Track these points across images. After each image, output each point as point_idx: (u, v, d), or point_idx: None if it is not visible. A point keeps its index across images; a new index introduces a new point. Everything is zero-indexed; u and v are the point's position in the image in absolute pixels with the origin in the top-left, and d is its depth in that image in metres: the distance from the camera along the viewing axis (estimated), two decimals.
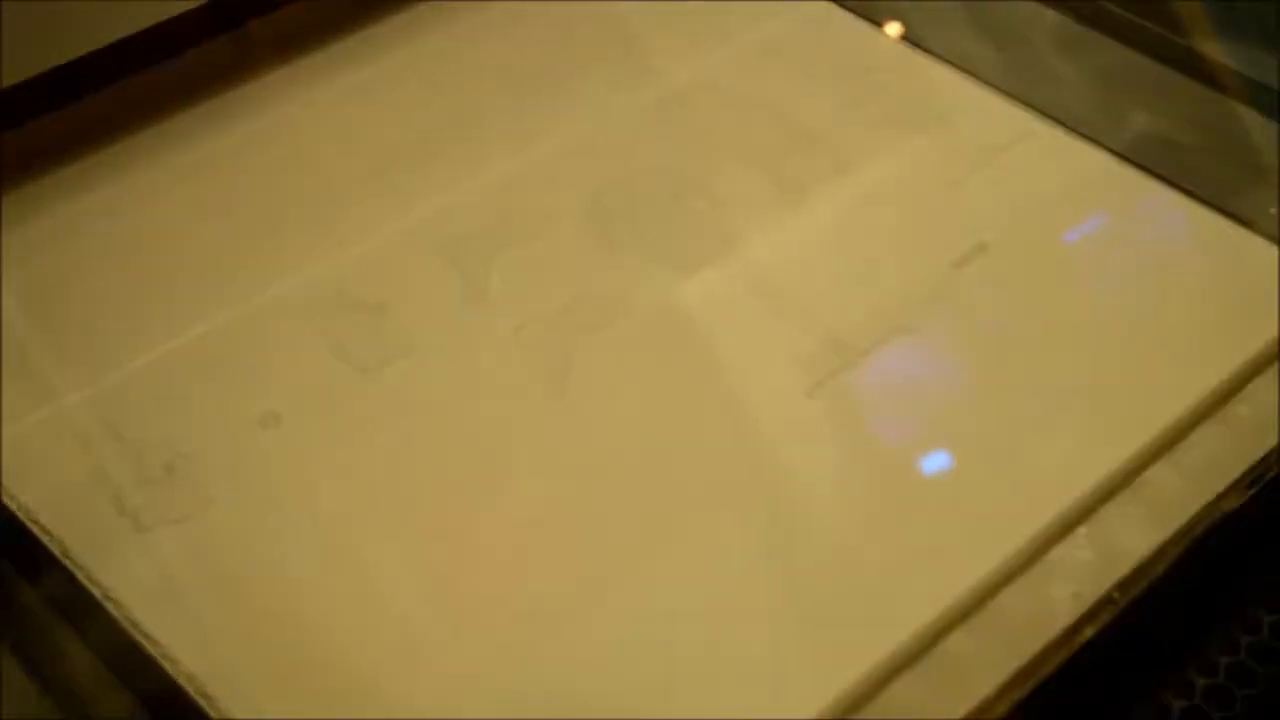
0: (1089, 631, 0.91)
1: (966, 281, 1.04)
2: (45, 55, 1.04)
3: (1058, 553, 0.92)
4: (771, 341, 1.00)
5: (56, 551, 0.89)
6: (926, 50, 1.19)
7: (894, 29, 1.20)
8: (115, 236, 1.07)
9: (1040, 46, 1.21)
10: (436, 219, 1.07)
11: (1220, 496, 0.95)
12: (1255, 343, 1.01)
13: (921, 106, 1.16)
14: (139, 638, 0.85)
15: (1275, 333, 1.01)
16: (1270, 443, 0.97)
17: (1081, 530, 0.93)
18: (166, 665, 0.84)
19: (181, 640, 0.85)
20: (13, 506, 0.91)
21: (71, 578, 0.87)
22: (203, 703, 0.82)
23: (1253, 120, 1.16)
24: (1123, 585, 0.91)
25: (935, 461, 0.99)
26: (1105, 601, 0.91)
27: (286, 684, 0.84)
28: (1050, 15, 1.23)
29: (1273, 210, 1.09)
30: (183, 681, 0.83)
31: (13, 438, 0.95)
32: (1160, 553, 0.93)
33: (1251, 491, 0.96)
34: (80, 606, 0.87)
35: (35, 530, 0.90)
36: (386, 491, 0.93)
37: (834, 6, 1.22)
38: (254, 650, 0.85)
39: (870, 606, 0.89)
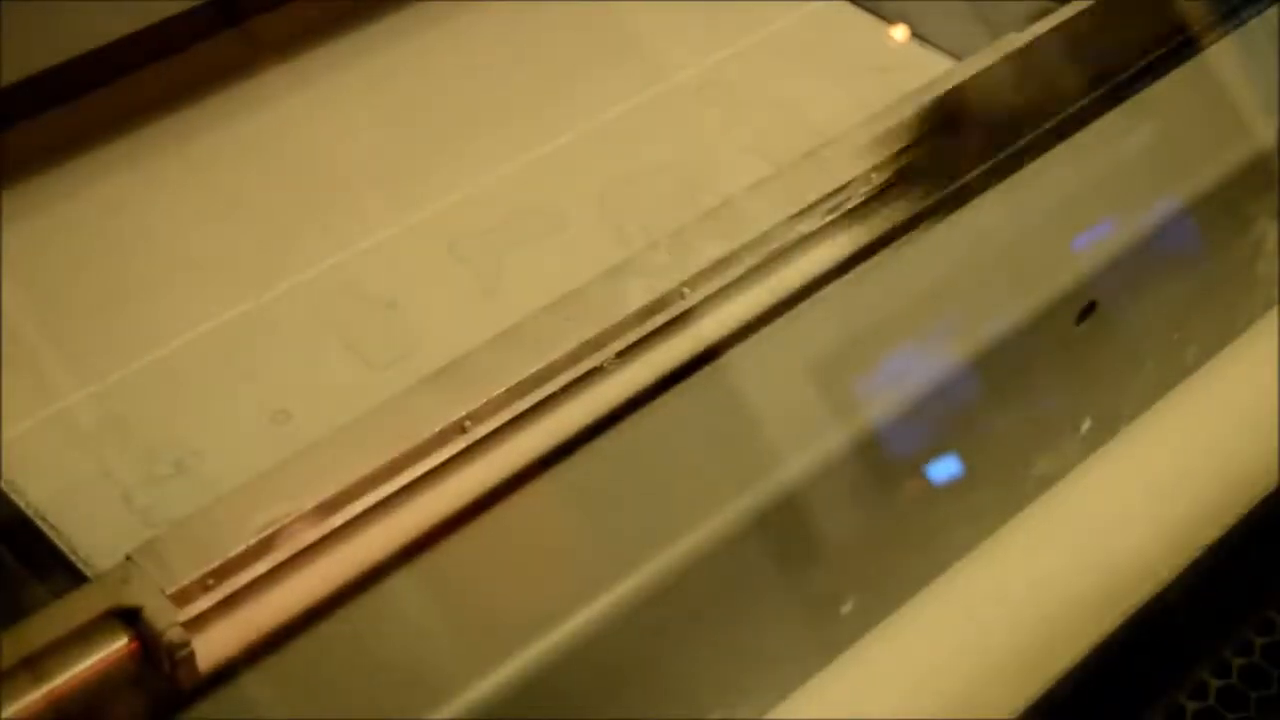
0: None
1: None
2: (48, 52, 1.03)
3: None
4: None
5: (65, 549, 0.87)
6: (936, 47, 1.19)
7: (904, 26, 1.20)
8: (121, 233, 1.06)
9: None
10: (447, 216, 1.07)
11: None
12: None
13: None
14: None
15: None
16: None
17: None
18: None
19: None
20: (21, 504, 0.90)
21: (80, 575, 0.86)
22: None
23: None
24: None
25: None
26: None
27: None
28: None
29: None
30: None
31: (21, 435, 0.94)
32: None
33: None
34: None
35: (44, 528, 0.89)
36: None
37: (845, 4, 1.21)
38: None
39: None
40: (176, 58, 1.13)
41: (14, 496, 0.91)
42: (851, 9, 1.22)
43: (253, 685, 0.72)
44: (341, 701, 0.75)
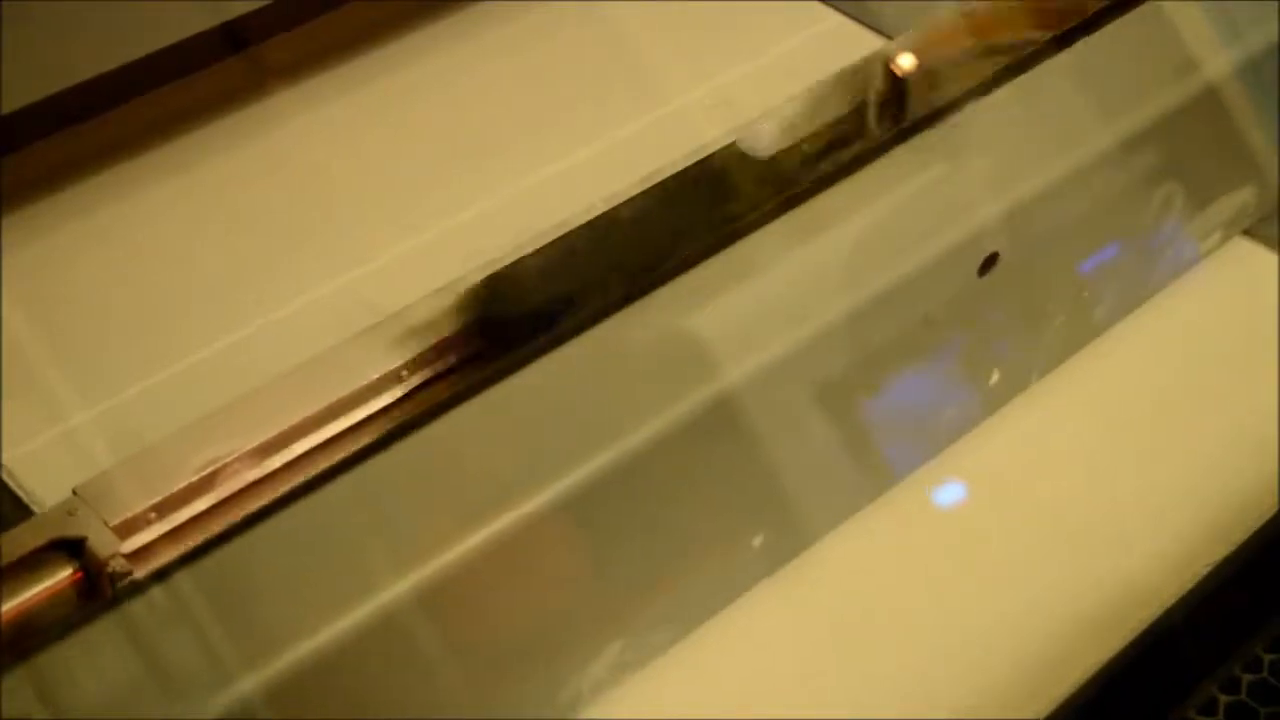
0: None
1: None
2: (55, 76, 1.05)
3: None
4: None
5: None
6: None
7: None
8: (131, 253, 1.08)
9: None
10: (456, 234, 1.08)
11: None
12: None
13: None
14: None
15: None
16: None
17: None
18: None
19: None
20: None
21: None
22: None
23: None
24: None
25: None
26: None
27: None
28: None
29: None
30: None
31: (33, 452, 0.95)
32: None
33: None
34: None
35: None
36: None
37: (851, 23, 1.22)
38: None
39: None
40: (184, 82, 1.15)
41: (34, 509, 0.91)
42: (859, 30, 1.22)
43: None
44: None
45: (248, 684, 0.75)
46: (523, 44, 1.22)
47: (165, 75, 1.14)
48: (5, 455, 0.94)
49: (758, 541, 0.93)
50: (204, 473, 0.75)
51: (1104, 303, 1.07)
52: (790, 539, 0.96)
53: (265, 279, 1.06)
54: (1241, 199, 1.10)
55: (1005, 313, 1.01)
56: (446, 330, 0.82)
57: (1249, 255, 1.13)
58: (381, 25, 1.22)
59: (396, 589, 0.76)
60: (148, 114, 1.14)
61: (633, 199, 0.91)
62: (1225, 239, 1.12)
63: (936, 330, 0.98)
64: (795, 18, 1.21)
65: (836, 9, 1.22)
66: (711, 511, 0.91)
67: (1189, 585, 1.00)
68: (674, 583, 0.90)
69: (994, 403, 1.04)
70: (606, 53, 1.21)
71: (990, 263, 0.97)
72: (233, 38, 1.15)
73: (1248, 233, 1.13)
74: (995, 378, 1.02)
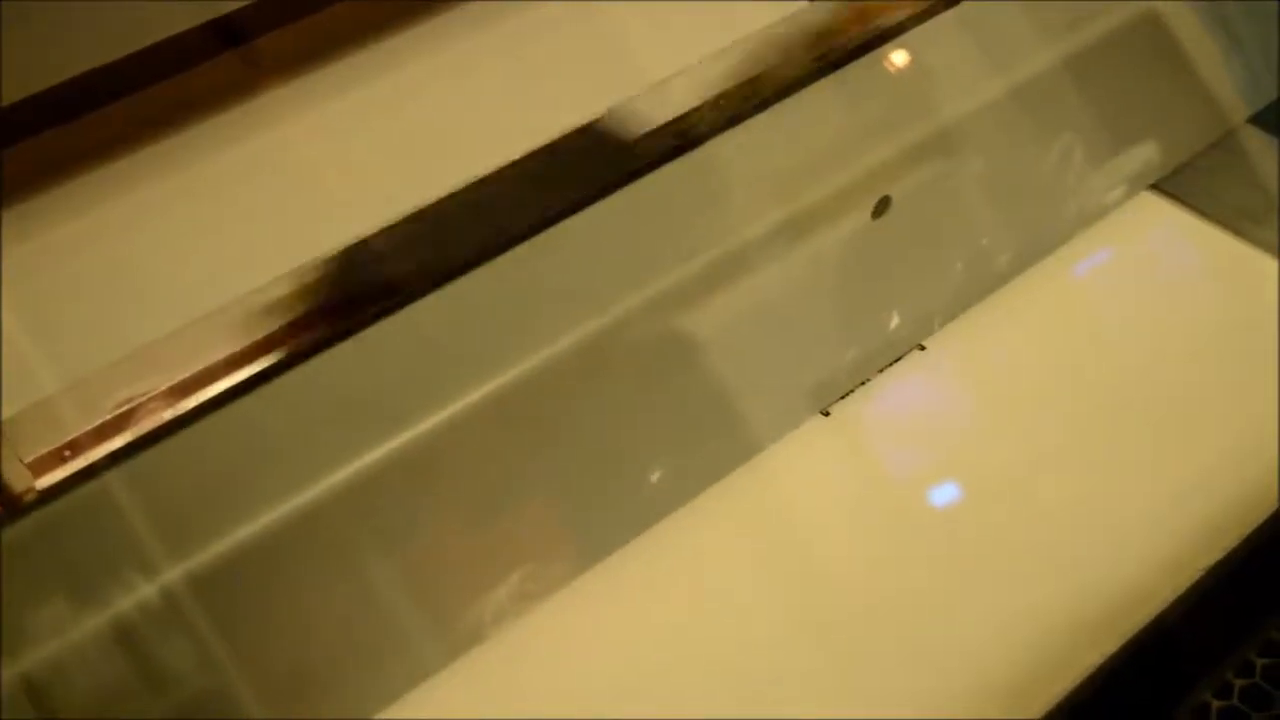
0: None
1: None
2: (48, 71, 1.07)
3: None
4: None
5: None
6: None
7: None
8: (123, 252, 1.08)
9: None
10: None
11: None
12: None
13: None
14: None
15: None
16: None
17: None
18: None
19: None
20: None
21: None
22: None
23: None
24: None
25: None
26: None
27: None
28: None
29: None
30: None
31: None
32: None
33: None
34: None
35: None
36: None
37: None
38: None
39: None
40: (177, 78, 1.16)
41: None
42: None
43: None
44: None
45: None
46: (517, 43, 1.22)
47: (159, 71, 1.15)
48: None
49: (664, 473, 0.92)
50: (119, 411, 0.76)
51: (1009, 252, 1.07)
52: (696, 473, 0.95)
53: (261, 275, 1.06)
54: (1147, 153, 1.09)
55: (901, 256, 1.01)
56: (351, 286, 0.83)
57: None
58: (378, 22, 1.23)
59: (295, 510, 0.76)
60: (142, 110, 1.15)
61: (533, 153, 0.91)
62: (1131, 194, 1.11)
63: (829, 270, 0.97)
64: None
65: None
66: (615, 440, 0.90)
67: (1183, 589, 0.98)
68: (578, 510, 0.90)
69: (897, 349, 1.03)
70: (601, 53, 1.21)
71: (884, 206, 0.97)
72: (228, 33, 1.16)
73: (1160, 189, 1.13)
74: (896, 321, 1.02)
